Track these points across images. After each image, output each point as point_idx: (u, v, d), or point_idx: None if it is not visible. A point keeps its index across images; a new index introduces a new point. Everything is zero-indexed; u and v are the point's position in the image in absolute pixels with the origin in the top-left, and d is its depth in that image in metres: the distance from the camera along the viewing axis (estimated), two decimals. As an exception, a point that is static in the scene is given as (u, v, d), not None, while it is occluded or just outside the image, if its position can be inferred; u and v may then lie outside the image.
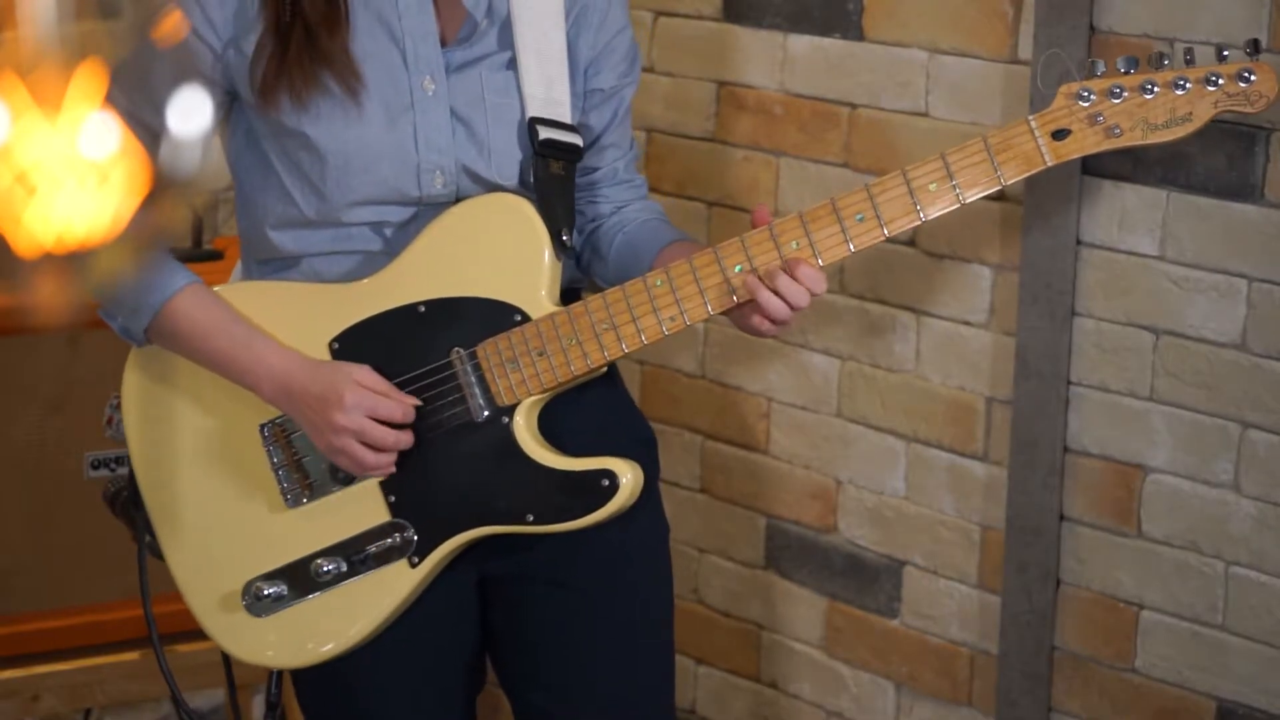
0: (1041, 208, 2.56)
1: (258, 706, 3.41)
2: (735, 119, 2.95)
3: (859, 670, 2.95)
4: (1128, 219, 2.51)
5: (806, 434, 2.95)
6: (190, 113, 1.07)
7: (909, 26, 2.71)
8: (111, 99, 1.08)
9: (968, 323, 2.72)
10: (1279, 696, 2.47)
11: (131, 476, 2.29)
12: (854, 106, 2.80)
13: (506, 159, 2.17)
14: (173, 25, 1.12)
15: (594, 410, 2.22)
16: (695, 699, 3.17)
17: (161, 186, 1.06)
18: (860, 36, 2.77)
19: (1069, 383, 2.60)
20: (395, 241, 2.17)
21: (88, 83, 1.04)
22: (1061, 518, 2.64)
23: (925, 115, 2.71)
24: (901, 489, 2.84)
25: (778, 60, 2.88)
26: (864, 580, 2.91)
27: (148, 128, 1.15)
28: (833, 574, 2.95)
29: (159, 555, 2.33)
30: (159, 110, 1.19)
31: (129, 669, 2.91)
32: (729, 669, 3.13)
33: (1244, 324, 2.43)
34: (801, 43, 2.84)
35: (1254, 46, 2.03)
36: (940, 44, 2.68)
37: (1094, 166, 2.52)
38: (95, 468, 2.86)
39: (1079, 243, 2.55)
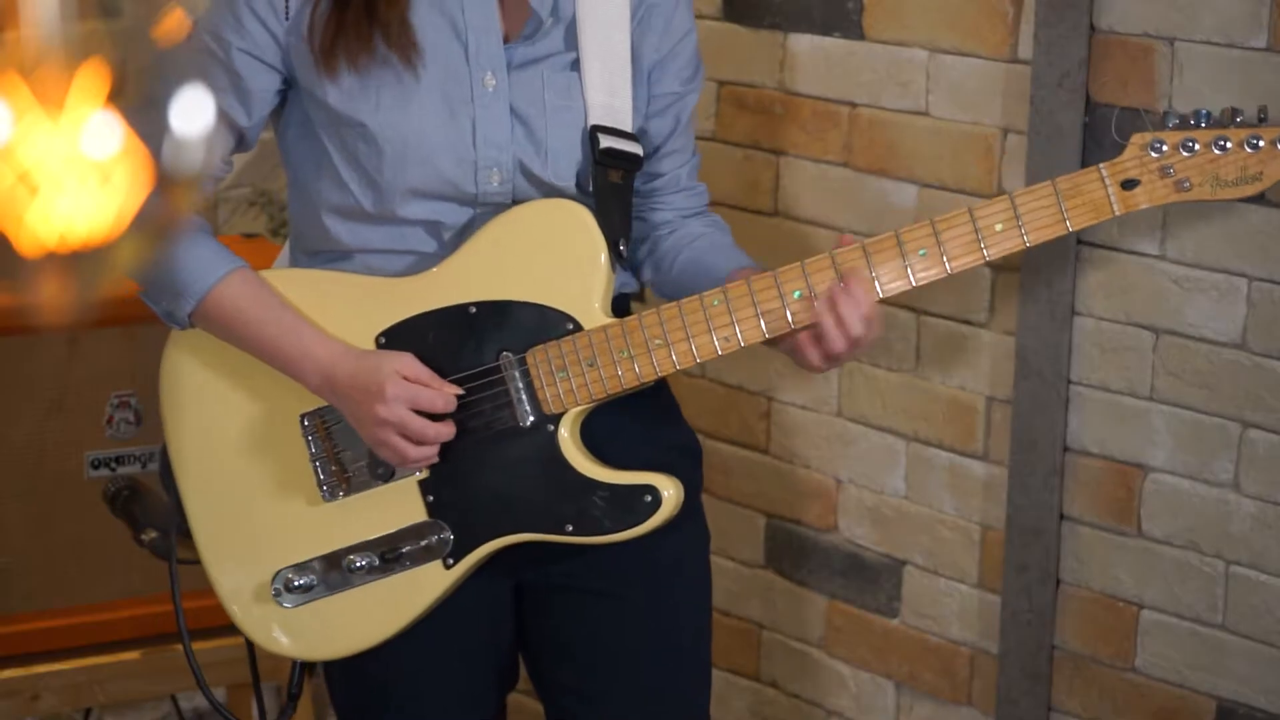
0: (1041, 207, 2.56)
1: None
2: (735, 119, 2.95)
3: (859, 670, 2.95)
4: (1128, 219, 2.51)
5: (806, 434, 2.95)
6: (195, 107, 1.07)
7: (909, 26, 2.72)
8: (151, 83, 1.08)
9: (968, 323, 2.72)
10: (1279, 696, 2.47)
11: (165, 464, 2.27)
12: (854, 106, 2.80)
13: (564, 161, 2.14)
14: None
15: (639, 416, 2.20)
16: (695, 699, 3.18)
17: (184, 176, 1.06)
18: (860, 36, 2.77)
19: (1069, 382, 2.60)
20: (450, 244, 2.15)
21: (90, 82, 1.04)
22: (1061, 517, 2.64)
23: (925, 115, 2.71)
24: (901, 489, 2.84)
25: (778, 60, 2.88)
26: (864, 580, 2.92)
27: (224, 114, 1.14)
28: (833, 574, 2.95)
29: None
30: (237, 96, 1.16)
31: (129, 669, 2.90)
32: (729, 668, 3.13)
33: (1244, 324, 2.43)
34: (801, 42, 2.84)
35: None
36: (940, 44, 2.68)
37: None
38: (95, 468, 2.85)
39: (1079, 242, 2.56)
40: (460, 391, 2.12)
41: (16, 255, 1.05)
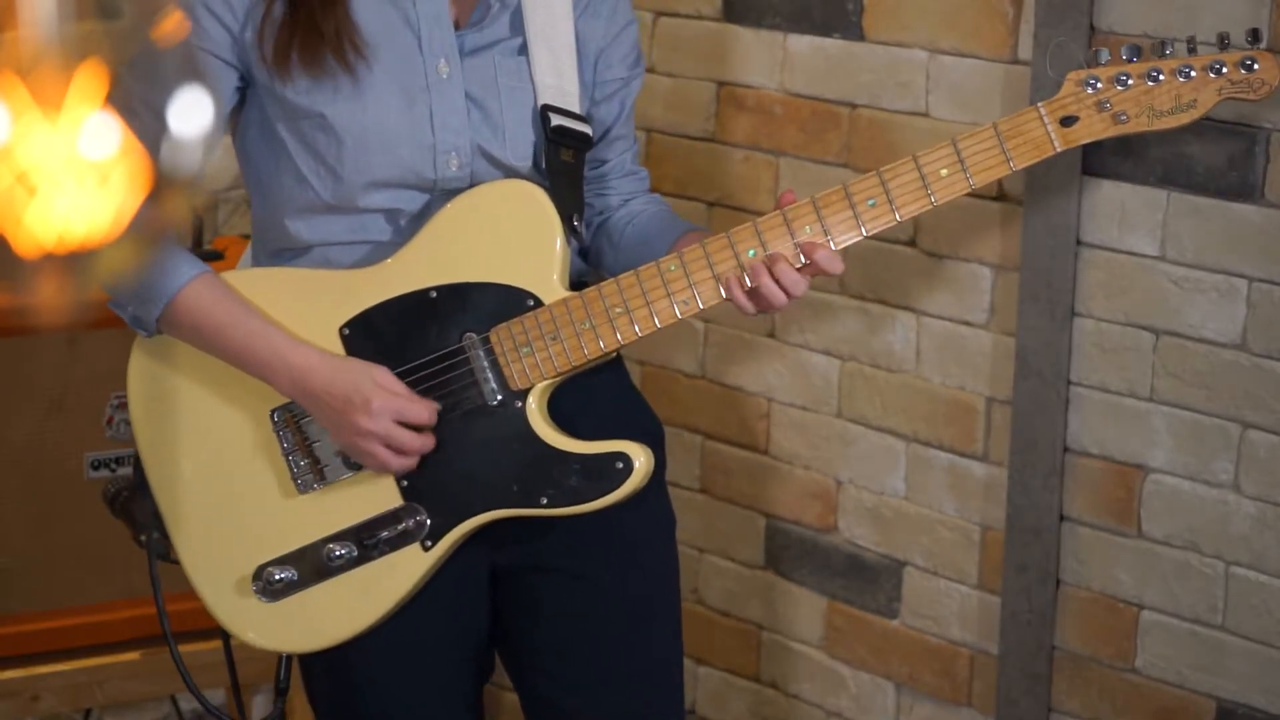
0: (1041, 208, 2.57)
1: (257, 707, 3.41)
2: (735, 119, 2.95)
3: (859, 670, 2.95)
4: (1128, 219, 2.51)
5: (806, 434, 2.95)
6: (193, 108, 1.07)
7: (909, 26, 2.72)
8: (127, 87, 1.08)
9: (968, 323, 2.72)
10: (1279, 696, 2.47)
11: (138, 467, 2.28)
12: (854, 106, 2.80)
13: (520, 142, 2.19)
14: (179, 16, 1.12)
15: (602, 401, 2.24)
16: (695, 699, 3.17)
17: (166, 181, 1.07)
18: (860, 36, 2.77)
19: (1069, 383, 2.60)
20: (408, 231, 2.19)
21: (88, 83, 1.04)
22: (1061, 518, 2.64)
23: (925, 115, 2.71)
24: (901, 489, 2.84)
25: (778, 60, 2.88)
26: (864, 580, 2.92)
27: (161, 116, 1.14)
28: (833, 574, 2.95)
29: (161, 554, 2.33)
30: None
31: (129, 669, 2.90)
32: (729, 669, 3.13)
33: (1244, 324, 2.43)
34: (801, 43, 2.84)
35: (1255, 35, 2.07)
36: (940, 44, 2.68)
37: (1094, 166, 2.52)
38: (95, 468, 2.86)
39: (1079, 243, 2.56)
40: (438, 407, 2.16)
41: (15, 256, 1.05)
